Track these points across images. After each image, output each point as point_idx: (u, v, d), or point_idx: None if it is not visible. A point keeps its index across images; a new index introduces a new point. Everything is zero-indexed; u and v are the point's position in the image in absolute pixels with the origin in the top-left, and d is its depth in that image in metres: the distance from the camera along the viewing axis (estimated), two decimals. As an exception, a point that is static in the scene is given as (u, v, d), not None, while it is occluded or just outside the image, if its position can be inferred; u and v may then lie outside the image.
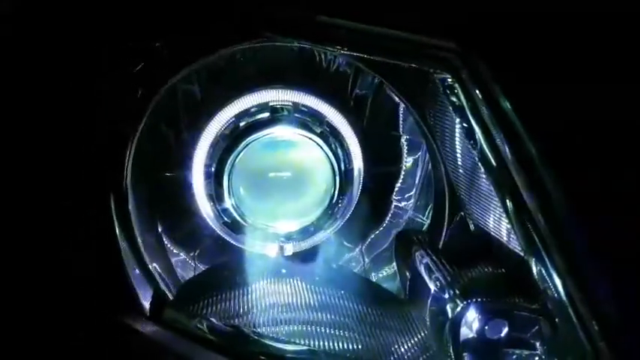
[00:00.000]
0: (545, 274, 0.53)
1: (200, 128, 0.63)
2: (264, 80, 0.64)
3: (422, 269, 0.69)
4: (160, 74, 0.57)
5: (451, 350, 0.58)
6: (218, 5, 0.57)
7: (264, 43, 0.61)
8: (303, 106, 0.65)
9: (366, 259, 0.77)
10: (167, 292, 0.64)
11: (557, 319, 0.55)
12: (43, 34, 0.62)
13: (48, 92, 0.61)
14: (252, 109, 0.64)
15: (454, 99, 0.53)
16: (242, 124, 0.63)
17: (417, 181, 0.73)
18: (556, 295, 0.53)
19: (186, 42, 0.57)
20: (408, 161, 0.72)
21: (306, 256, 0.71)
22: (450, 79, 0.52)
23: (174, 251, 0.69)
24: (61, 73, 0.60)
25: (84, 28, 0.60)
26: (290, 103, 0.64)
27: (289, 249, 0.69)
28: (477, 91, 0.50)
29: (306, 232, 0.68)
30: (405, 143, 0.70)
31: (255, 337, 0.61)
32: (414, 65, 0.55)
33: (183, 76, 0.57)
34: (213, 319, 0.64)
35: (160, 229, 0.68)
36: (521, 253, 0.58)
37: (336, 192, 0.67)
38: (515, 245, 0.59)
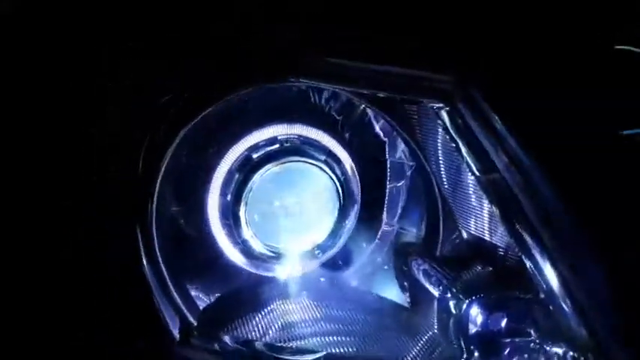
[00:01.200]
0: (535, 268, 0.63)
1: (216, 161, 0.70)
2: (269, 117, 0.71)
3: (420, 276, 0.77)
4: (188, 111, 0.64)
5: (462, 344, 0.66)
6: (244, 52, 0.64)
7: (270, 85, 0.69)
8: (307, 137, 0.73)
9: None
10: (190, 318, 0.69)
11: (550, 307, 0.64)
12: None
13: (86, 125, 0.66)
14: (261, 143, 0.71)
15: (449, 124, 0.62)
16: (254, 156, 0.70)
17: (404, 200, 0.82)
18: (547, 285, 0.62)
19: (212, 83, 0.64)
20: (397, 183, 0.81)
21: (312, 276, 0.77)
22: (446, 108, 0.61)
23: (191, 280, 0.74)
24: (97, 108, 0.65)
25: (121, 70, 0.65)
26: (296, 136, 0.72)
27: (298, 270, 0.75)
28: (472, 116, 0.59)
29: (313, 253, 0.75)
30: (395, 166, 0.79)
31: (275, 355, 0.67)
32: (413, 97, 0.64)
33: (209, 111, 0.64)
34: (236, 342, 0.70)
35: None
36: (512, 252, 0.68)
37: (340, 213, 0.75)
38: (506, 244, 0.68)
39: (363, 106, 0.74)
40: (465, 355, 0.66)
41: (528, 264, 0.62)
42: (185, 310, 0.68)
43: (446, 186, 0.72)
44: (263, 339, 0.71)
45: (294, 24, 0.69)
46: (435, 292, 0.73)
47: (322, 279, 0.76)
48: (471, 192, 0.69)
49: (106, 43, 0.65)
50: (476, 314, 0.67)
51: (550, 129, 0.61)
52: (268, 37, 0.68)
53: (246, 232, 0.71)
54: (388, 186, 0.77)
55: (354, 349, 0.67)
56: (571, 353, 0.61)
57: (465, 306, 0.67)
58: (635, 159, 0.63)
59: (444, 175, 0.70)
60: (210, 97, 0.68)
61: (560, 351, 0.61)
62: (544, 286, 0.61)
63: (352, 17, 0.70)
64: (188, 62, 0.65)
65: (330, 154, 0.73)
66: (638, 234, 0.60)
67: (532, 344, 0.65)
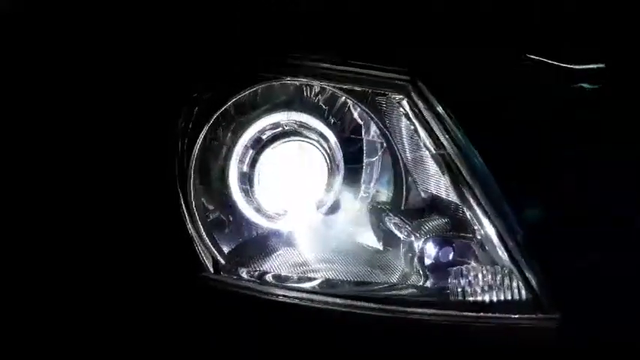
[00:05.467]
0: (474, 217, 0.85)
1: (235, 141, 0.91)
2: (274, 107, 0.92)
3: (391, 226, 0.99)
4: (215, 103, 0.85)
5: (421, 272, 0.88)
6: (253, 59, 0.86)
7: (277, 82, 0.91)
8: (302, 122, 0.94)
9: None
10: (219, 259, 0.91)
11: (483, 243, 0.87)
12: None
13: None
14: (268, 127, 0.93)
15: (409, 111, 0.84)
16: (264, 137, 0.92)
17: (377, 170, 1.03)
18: (482, 228, 0.85)
19: (232, 81, 0.86)
20: (372, 158, 1.02)
21: (309, 227, 0.99)
22: (405, 99, 0.83)
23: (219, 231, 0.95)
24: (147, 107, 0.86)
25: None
26: (294, 121, 0.93)
27: (299, 222, 0.97)
28: (423, 106, 0.81)
29: (310, 209, 0.96)
30: (369, 144, 1.00)
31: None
32: (381, 90, 0.86)
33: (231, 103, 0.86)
34: (251, 276, 0.91)
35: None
36: (457, 206, 0.90)
37: (329, 180, 0.96)
38: (452, 200, 0.90)
39: (344, 97, 0.94)
40: (423, 279, 0.90)
41: (468, 214, 0.86)
42: (216, 253, 0.90)
43: (409, 159, 0.93)
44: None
45: (289, 38, 0.90)
46: (402, 237, 0.96)
47: (317, 230, 0.98)
48: (426, 162, 0.91)
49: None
50: (430, 249, 0.90)
51: (480, 113, 0.84)
52: (271, 47, 0.90)
53: (259, 194, 0.92)
54: (365, 159, 0.98)
55: (344, 277, 0.90)
56: (497, 273, 0.85)
57: (422, 244, 0.91)
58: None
59: (407, 151, 0.92)
60: (230, 91, 0.90)
61: (489, 271, 0.85)
62: (480, 229, 0.85)
63: (335, 29, 0.92)
64: (216, 66, 0.87)
65: (320, 134, 0.94)
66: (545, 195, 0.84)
67: (470, 270, 0.89)
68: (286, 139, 0.92)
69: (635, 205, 0.85)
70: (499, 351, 0.82)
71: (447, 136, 0.80)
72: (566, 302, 0.80)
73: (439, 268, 0.88)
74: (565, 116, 0.83)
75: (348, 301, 0.85)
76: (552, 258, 0.80)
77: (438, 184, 0.91)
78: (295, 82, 0.90)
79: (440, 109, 0.80)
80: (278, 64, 0.87)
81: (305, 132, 0.93)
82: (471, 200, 0.84)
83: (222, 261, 0.88)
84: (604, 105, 0.90)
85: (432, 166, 0.89)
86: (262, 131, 0.92)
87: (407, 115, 0.85)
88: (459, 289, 0.86)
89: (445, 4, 0.91)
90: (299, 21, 0.92)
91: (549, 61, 0.85)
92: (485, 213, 0.83)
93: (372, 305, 0.86)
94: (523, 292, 0.81)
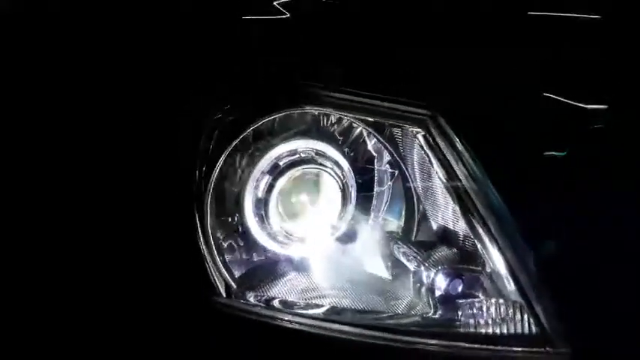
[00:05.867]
0: (484, 250, 0.86)
1: (252, 167, 0.92)
2: (292, 134, 0.94)
3: (400, 256, 1.00)
4: (235, 130, 0.87)
5: (431, 302, 0.89)
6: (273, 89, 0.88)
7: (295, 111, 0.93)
8: (318, 150, 0.95)
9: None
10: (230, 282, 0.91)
11: (493, 276, 0.88)
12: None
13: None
14: (285, 154, 0.94)
15: (424, 143, 0.86)
16: (280, 163, 0.93)
17: (388, 199, 1.05)
18: (492, 262, 0.86)
19: (252, 109, 0.88)
20: (383, 186, 1.04)
21: (321, 255, 1.00)
22: (422, 132, 0.85)
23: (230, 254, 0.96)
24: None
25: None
26: (311, 149, 0.95)
27: (311, 249, 0.98)
28: (440, 138, 0.83)
29: (322, 236, 0.97)
30: (382, 174, 1.02)
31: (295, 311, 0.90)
32: (398, 123, 0.88)
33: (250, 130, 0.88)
34: (259, 301, 0.92)
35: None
36: (468, 237, 0.91)
37: (342, 207, 0.97)
38: (463, 232, 0.92)
39: (360, 128, 0.97)
40: (432, 310, 0.91)
41: (479, 246, 0.87)
42: (228, 277, 0.90)
43: (420, 189, 0.95)
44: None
45: (310, 68, 0.93)
46: (412, 267, 0.97)
47: (328, 257, 0.99)
48: (439, 193, 0.93)
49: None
50: (440, 281, 0.91)
51: (497, 150, 0.86)
52: (291, 77, 0.92)
53: (273, 220, 0.93)
54: (376, 188, 1.00)
55: (352, 305, 0.91)
56: (507, 307, 0.86)
57: (433, 275, 0.92)
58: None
59: (419, 181, 0.93)
60: (249, 119, 0.92)
61: (498, 305, 0.86)
62: (490, 262, 0.86)
63: (356, 61, 0.94)
64: (237, 94, 0.89)
65: (335, 162, 0.95)
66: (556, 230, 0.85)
67: (479, 302, 0.90)
68: (302, 167, 0.93)
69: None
70: (507, 384, 0.83)
71: (463, 170, 0.82)
72: (576, 338, 0.81)
73: (448, 300, 0.89)
74: (580, 154, 0.85)
75: (355, 329, 0.87)
76: (563, 293, 0.81)
77: (450, 215, 0.93)
78: (313, 111, 0.93)
79: (457, 143, 0.83)
80: (298, 93, 0.90)
81: (320, 160, 0.94)
82: (483, 233, 0.85)
83: (234, 285, 0.90)
84: (613, 143, 0.93)
85: (444, 198, 0.91)
86: (279, 158, 0.93)
87: (422, 147, 0.87)
88: (468, 322, 0.88)
89: (465, 42, 0.95)
90: (320, 52, 0.95)
91: (565, 100, 0.88)
92: (498, 246, 0.84)
93: (379, 334, 0.87)
94: (532, 326, 0.83)
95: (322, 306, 0.91)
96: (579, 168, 0.86)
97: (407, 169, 0.94)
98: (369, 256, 1.00)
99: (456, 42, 0.96)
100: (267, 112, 0.90)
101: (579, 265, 0.82)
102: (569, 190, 0.86)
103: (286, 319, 0.88)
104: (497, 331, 0.84)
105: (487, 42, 0.96)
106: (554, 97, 0.88)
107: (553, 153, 0.87)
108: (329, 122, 0.97)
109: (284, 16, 1.04)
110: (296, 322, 0.88)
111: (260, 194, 0.94)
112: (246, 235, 0.95)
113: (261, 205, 0.93)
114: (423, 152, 0.88)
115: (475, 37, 0.98)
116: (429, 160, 0.86)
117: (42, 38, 1.12)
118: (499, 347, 0.84)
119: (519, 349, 0.82)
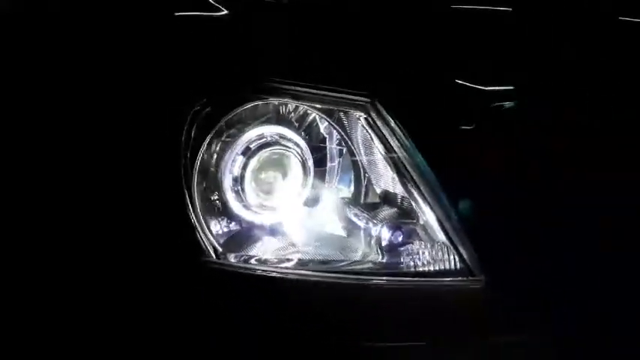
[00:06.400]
0: (418, 207, 1.09)
1: (228, 151, 1.11)
2: (259, 122, 1.13)
3: (352, 216, 1.21)
4: (214, 117, 1.07)
5: (378, 250, 1.11)
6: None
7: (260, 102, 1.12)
8: (281, 134, 1.15)
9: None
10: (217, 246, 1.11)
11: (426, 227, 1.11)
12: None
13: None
14: (254, 138, 1.13)
15: (366, 124, 1.07)
16: (252, 146, 1.12)
17: (340, 171, 1.26)
18: (424, 216, 1.09)
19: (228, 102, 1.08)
20: (334, 162, 1.25)
21: (290, 220, 1.20)
22: (364, 114, 1.07)
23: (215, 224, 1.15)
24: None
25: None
26: (275, 133, 1.15)
27: (282, 216, 1.17)
28: (380, 120, 1.04)
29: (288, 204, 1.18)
30: (334, 151, 1.23)
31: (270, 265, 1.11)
32: (345, 109, 1.09)
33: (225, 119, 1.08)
34: (243, 261, 1.12)
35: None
36: (405, 198, 1.14)
37: (303, 179, 1.18)
38: (401, 194, 1.14)
39: (314, 114, 1.17)
40: (380, 257, 1.12)
41: (414, 204, 1.09)
42: (214, 242, 1.09)
43: (365, 161, 1.16)
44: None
45: (271, 66, 1.12)
46: (362, 225, 1.18)
47: (295, 222, 1.19)
48: (380, 164, 1.15)
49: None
50: (385, 234, 1.12)
51: (424, 125, 1.08)
52: (256, 74, 1.11)
53: (248, 194, 1.13)
54: (329, 163, 1.21)
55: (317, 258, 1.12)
56: (437, 249, 1.09)
57: (379, 229, 1.13)
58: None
59: (363, 155, 1.14)
60: (223, 111, 1.10)
61: (430, 248, 1.10)
62: (422, 216, 1.08)
63: (309, 58, 1.13)
64: (213, 90, 1.09)
65: (295, 143, 1.15)
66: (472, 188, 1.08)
67: (416, 248, 1.13)
68: (269, 148, 1.14)
69: (538, 195, 1.11)
70: (441, 307, 1.06)
71: (397, 144, 1.05)
72: (489, 269, 1.05)
73: (392, 248, 1.11)
74: (491, 124, 1.09)
75: (321, 274, 1.08)
76: (478, 237, 1.05)
77: (389, 182, 1.15)
78: (275, 102, 1.13)
79: (392, 123, 1.05)
80: (262, 88, 1.09)
81: (283, 142, 1.15)
82: (416, 194, 1.08)
83: (220, 249, 1.09)
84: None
85: (384, 168, 1.13)
86: (250, 142, 1.13)
87: (366, 128, 1.08)
88: (408, 263, 1.11)
89: (399, 39, 1.17)
90: (279, 50, 1.14)
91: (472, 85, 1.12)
92: (428, 203, 1.07)
93: (341, 276, 1.08)
94: (457, 262, 1.06)
95: (292, 260, 1.13)
96: (491, 139, 1.10)
97: (353, 146, 1.15)
98: (328, 218, 1.22)
99: (391, 39, 1.18)
100: (237, 104, 1.10)
101: (492, 214, 1.07)
102: (481, 157, 1.10)
103: (263, 270, 1.09)
104: (431, 268, 1.08)
105: (417, 38, 1.19)
106: (460, 81, 1.12)
107: (467, 127, 1.11)
108: (288, 110, 1.17)
109: (245, 21, 1.23)
110: (272, 272, 1.08)
111: (236, 173, 1.14)
112: (226, 208, 1.15)
113: (237, 182, 1.13)
114: (365, 132, 1.10)
115: (406, 34, 1.21)
116: (371, 138, 1.08)
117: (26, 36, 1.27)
118: (433, 279, 1.08)
119: (448, 279, 1.07)
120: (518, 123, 1.14)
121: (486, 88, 1.14)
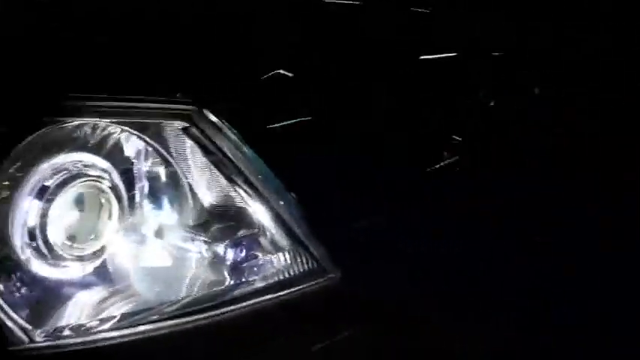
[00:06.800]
0: (257, 212, 1.00)
1: (16, 193, 0.88)
2: (55, 150, 0.91)
3: (181, 242, 1.06)
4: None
5: (221, 275, 0.99)
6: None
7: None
8: (85, 162, 0.96)
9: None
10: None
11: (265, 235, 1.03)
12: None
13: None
14: (50, 173, 0.91)
15: (192, 134, 0.95)
16: (48, 184, 0.91)
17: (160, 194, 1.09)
18: (260, 223, 1.00)
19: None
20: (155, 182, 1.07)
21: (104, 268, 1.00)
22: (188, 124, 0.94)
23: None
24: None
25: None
26: (77, 161, 0.95)
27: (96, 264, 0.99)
28: (208, 128, 0.93)
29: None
30: (152, 171, 1.05)
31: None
32: (163, 120, 0.94)
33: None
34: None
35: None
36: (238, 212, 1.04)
37: (119, 212, 1.00)
38: (237, 204, 1.03)
39: (119, 129, 0.99)
40: (223, 280, 1.00)
41: (253, 211, 0.99)
42: (20, 320, 0.87)
43: (192, 178, 1.03)
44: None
45: (65, 80, 0.92)
46: (195, 249, 1.04)
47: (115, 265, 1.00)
48: (210, 178, 1.03)
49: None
50: (224, 253, 1.01)
51: (257, 127, 1.00)
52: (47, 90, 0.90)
53: (52, 246, 0.92)
54: (148, 186, 1.04)
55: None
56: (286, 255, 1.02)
57: (215, 250, 1.01)
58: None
59: (191, 170, 1.01)
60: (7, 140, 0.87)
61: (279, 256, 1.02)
62: (265, 222, 0.99)
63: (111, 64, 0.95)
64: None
65: (103, 170, 0.98)
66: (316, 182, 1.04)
67: (263, 259, 1.04)
68: (72, 183, 0.93)
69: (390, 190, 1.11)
70: (303, 310, 0.99)
71: (232, 151, 0.95)
72: (343, 264, 1.02)
73: (236, 267, 1.01)
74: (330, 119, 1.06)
75: (153, 325, 0.92)
76: (329, 234, 1.00)
77: (222, 195, 1.04)
78: (74, 123, 0.93)
79: (225, 130, 0.94)
80: (59, 107, 0.89)
81: (89, 171, 0.96)
82: (256, 200, 1.00)
83: (30, 326, 0.87)
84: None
85: (215, 180, 1.02)
86: (45, 178, 0.92)
87: (193, 138, 0.96)
88: (255, 279, 1.01)
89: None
90: (81, 61, 0.95)
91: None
92: (269, 206, 0.98)
93: (176, 322, 0.93)
94: (310, 263, 1.00)
95: (114, 317, 0.94)
96: (331, 135, 1.06)
97: (175, 162, 1.02)
98: (153, 251, 1.06)
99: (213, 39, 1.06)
100: (24, 132, 0.88)
101: (340, 210, 1.02)
102: (321, 154, 1.04)
103: (82, 342, 0.89)
104: (284, 276, 1.00)
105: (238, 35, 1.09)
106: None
107: (306, 125, 1.04)
108: (93, 131, 0.98)
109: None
110: (92, 342, 0.89)
111: (31, 223, 0.91)
112: (23, 270, 0.92)
113: (34, 234, 0.91)
114: (192, 143, 0.98)
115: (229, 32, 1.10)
116: (201, 148, 0.96)
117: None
118: (288, 290, 1.00)
119: (304, 285, 1.00)
120: (358, 116, 1.12)
121: (321, 84, 1.10)
